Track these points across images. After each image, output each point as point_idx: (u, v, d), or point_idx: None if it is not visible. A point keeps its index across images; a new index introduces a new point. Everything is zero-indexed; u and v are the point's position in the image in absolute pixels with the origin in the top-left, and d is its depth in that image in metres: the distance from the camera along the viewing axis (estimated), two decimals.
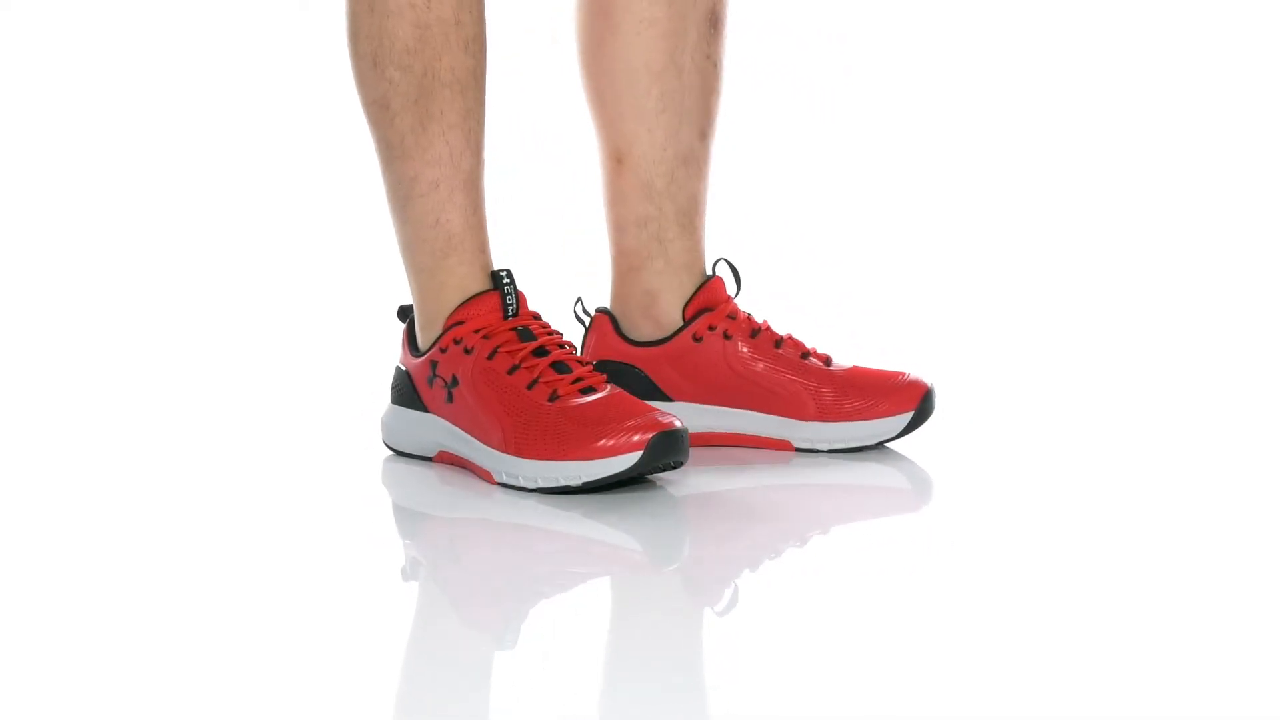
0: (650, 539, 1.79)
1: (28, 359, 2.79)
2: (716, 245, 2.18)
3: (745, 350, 2.10)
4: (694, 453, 2.04)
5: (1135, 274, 3.27)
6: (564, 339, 1.96)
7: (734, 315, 2.11)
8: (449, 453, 1.99)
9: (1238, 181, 3.59)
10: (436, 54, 1.92)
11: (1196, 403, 2.39)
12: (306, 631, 1.48)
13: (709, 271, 2.13)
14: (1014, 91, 3.74)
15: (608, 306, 2.14)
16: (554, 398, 1.89)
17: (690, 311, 2.11)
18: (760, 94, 3.56)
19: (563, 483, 1.86)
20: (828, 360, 2.11)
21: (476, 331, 1.94)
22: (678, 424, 1.85)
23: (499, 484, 1.91)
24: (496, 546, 1.78)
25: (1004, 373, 2.62)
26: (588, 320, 2.15)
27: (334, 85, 2.50)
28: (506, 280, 1.96)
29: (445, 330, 1.96)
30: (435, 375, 1.97)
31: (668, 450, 1.85)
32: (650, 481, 1.93)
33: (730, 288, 2.15)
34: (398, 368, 2.05)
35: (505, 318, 1.95)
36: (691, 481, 1.95)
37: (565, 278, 2.39)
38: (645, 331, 2.12)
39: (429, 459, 2.03)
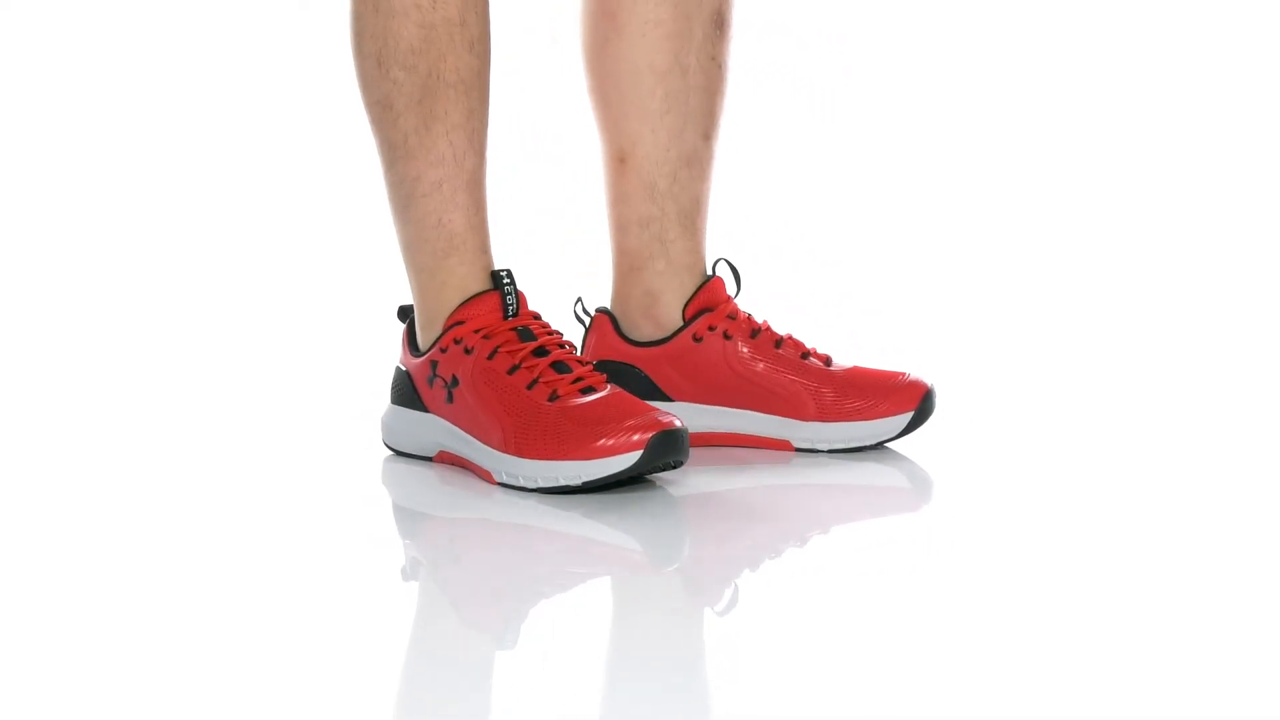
0: (650, 539, 1.79)
1: (26, 361, 2.79)
2: (717, 245, 2.18)
3: (745, 350, 2.10)
4: (694, 453, 2.04)
5: (1134, 274, 3.27)
6: (564, 339, 1.96)
7: (734, 315, 2.11)
8: (449, 453, 1.99)
9: (1236, 182, 3.59)
10: (441, 54, 1.92)
11: (1196, 402, 2.39)
12: (307, 632, 1.48)
13: (710, 272, 2.13)
14: (1013, 92, 3.74)
15: (608, 306, 2.14)
16: (554, 398, 1.89)
17: (690, 312, 2.11)
18: (760, 94, 3.56)
19: (562, 482, 1.86)
20: (828, 360, 2.11)
21: (477, 331, 1.94)
22: (677, 424, 1.86)
23: (499, 484, 1.91)
24: (496, 546, 1.78)
25: (1004, 373, 2.62)
26: (588, 320, 2.15)
27: (334, 86, 2.50)
28: (506, 280, 1.96)
29: (445, 330, 1.96)
30: (435, 375, 1.97)
31: (667, 450, 1.85)
32: (650, 481, 1.93)
33: (730, 288, 2.15)
34: (398, 368, 2.05)
35: (505, 317, 1.95)
36: (691, 481, 1.95)
37: (566, 278, 2.39)
38: (645, 331, 2.12)
39: (429, 459, 2.03)
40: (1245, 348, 2.76)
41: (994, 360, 2.72)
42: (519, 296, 1.96)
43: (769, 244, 3.33)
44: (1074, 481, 1.99)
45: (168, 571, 1.67)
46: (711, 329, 2.10)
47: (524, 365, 1.92)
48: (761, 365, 2.09)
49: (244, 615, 1.52)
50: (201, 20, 3.67)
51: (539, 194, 3.33)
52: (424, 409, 2.01)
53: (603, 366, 2.10)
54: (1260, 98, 3.66)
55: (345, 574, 1.67)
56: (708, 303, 2.11)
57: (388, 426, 2.07)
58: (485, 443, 1.92)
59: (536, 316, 1.97)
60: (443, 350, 1.96)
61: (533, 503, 1.86)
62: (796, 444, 2.08)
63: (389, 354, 2.15)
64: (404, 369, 2.04)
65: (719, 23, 2.10)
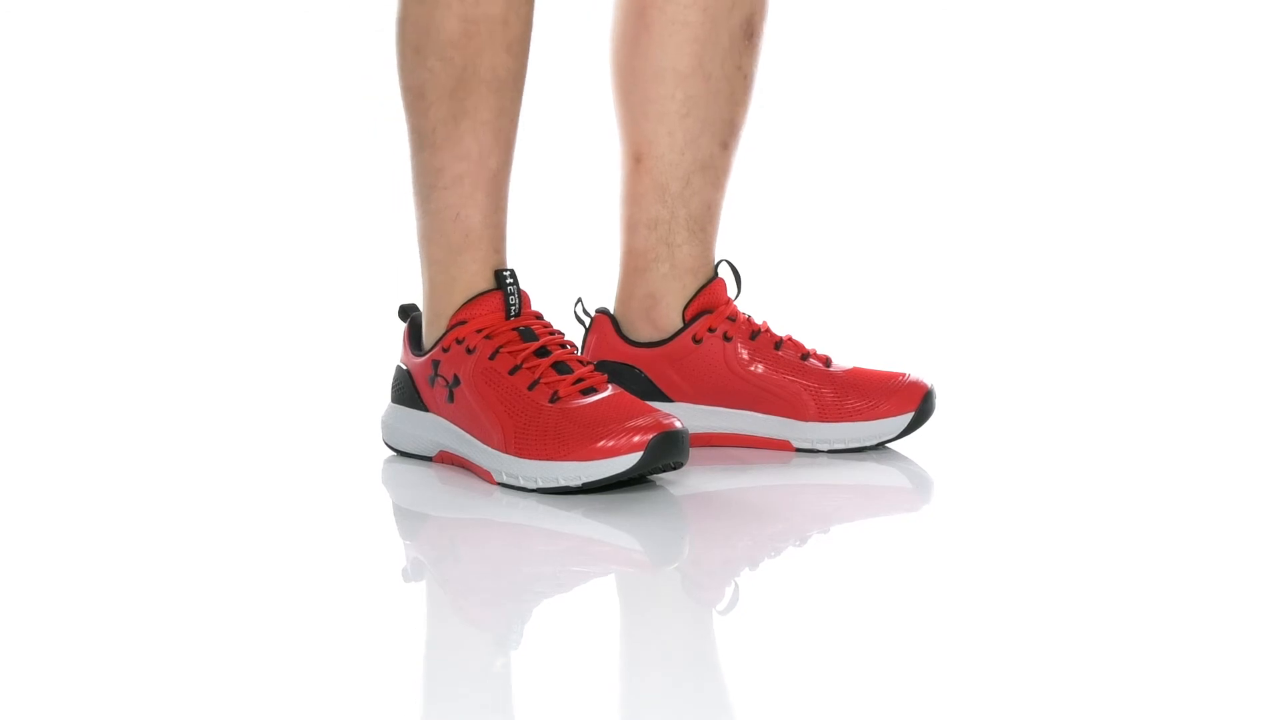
0: (650, 539, 1.79)
1: (26, 361, 2.78)
2: (718, 246, 2.17)
3: (745, 352, 2.10)
4: (694, 453, 2.04)
5: (1134, 275, 3.27)
6: (566, 339, 1.96)
7: (734, 317, 2.11)
8: (449, 453, 1.99)
9: (1235, 182, 3.59)
10: (479, 50, 1.93)
11: (1196, 403, 2.39)
12: (306, 632, 1.48)
13: (713, 275, 2.13)
14: (1013, 94, 3.74)
15: (608, 307, 2.14)
16: (555, 399, 1.89)
17: (690, 313, 2.11)
18: (760, 95, 3.56)
19: (562, 483, 1.86)
20: (828, 361, 2.11)
21: (479, 331, 1.95)
22: (678, 425, 1.86)
23: (499, 484, 1.91)
24: (496, 546, 1.78)
25: (1004, 373, 2.62)
26: (588, 320, 2.15)
27: (339, 87, 2.50)
28: (510, 280, 1.96)
29: (449, 329, 1.96)
30: (437, 375, 1.97)
31: (668, 451, 1.85)
32: (650, 481, 1.93)
33: (731, 289, 2.14)
34: (398, 367, 2.05)
35: (507, 317, 1.95)
36: (691, 481, 1.95)
37: (568, 277, 2.39)
38: (644, 333, 2.12)
39: (429, 459, 2.03)
40: (1244, 348, 2.76)
41: (994, 361, 2.72)
42: (522, 296, 1.96)
43: (770, 245, 3.33)
44: (1074, 481, 1.99)
45: (165, 572, 1.67)
46: (711, 330, 2.10)
47: (525, 366, 1.92)
48: (761, 367, 2.09)
49: (244, 617, 1.52)
50: (200, 20, 3.67)
51: (541, 193, 3.33)
52: (424, 408, 2.01)
53: (603, 367, 2.10)
54: (1259, 99, 3.66)
55: (345, 574, 1.67)
56: (708, 304, 2.11)
57: (388, 426, 2.07)
58: (486, 443, 1.92)
59: (539, 316, 1.97)
60: (445, 350, 1.96)
61: (533, 503, 1.86)
62: (796, 444, 2.08)
63: (388, 353, 2.15)
64: (404, 368, 2.04)
65: (748, 32, 2.09)
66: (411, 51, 1.95)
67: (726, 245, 2.22)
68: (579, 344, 2.14)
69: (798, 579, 1.65)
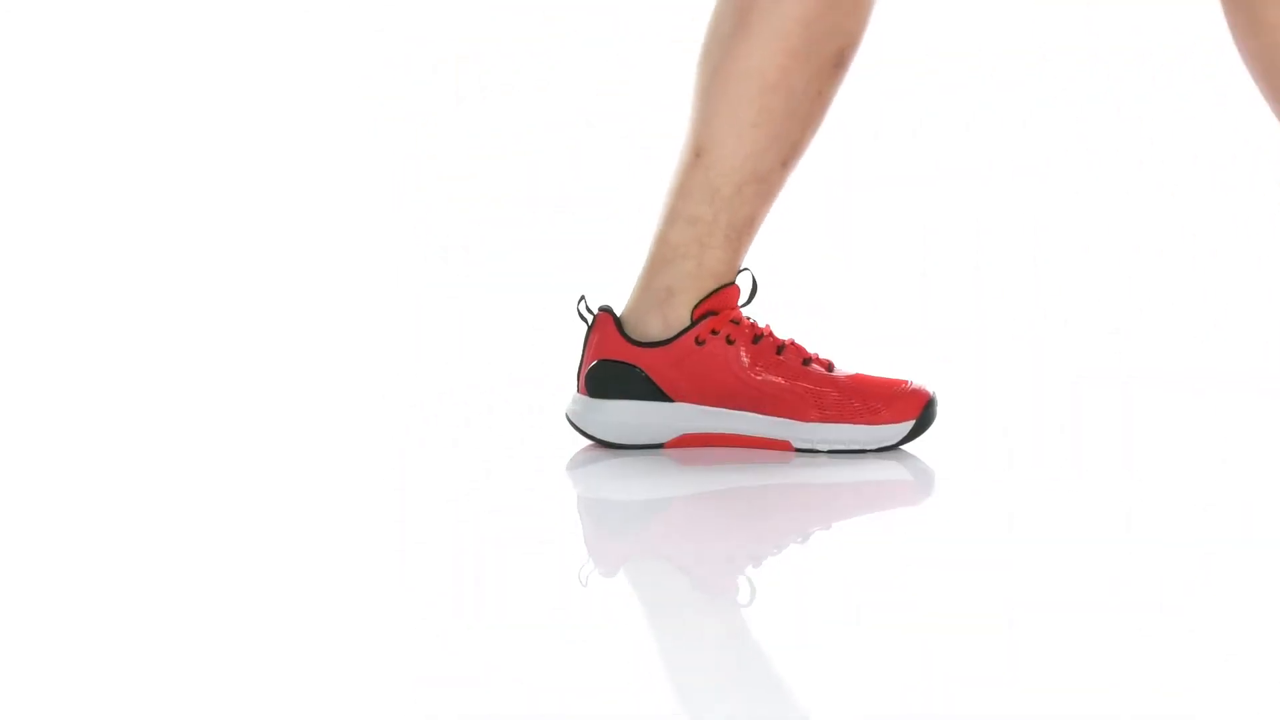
0: (650, 539, 1.79)
1: (69, 357, 2.77)
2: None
3: (747, 356, 2.09)
4: (694, 453, 2.04)
5: (1134, 276, 3.27)
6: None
7: (738, 321, 2.11)
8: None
9: (1235, 182, 3.59)
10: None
11: (1195, 403, 2.39)
12: (307, 632, 1.48)
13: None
14: (1013, 95, 3.75)
15: (611, 306, 2.14)
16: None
17: (698, 313, 2.10)
18: None
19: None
20: (830, 366, 2.11)
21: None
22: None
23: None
24: (497, 547, 1.78)
25: (1007, 381, 2.62)
26: (590, 318, 2.14)
27: (349, 84, 2.50)
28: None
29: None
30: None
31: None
32: (650, 480, 1.93)
33: (743, 297, 2.14)
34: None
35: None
36: (692, 481, 1.95)
37: (570, 276, 2.39)
38: (652, 326, 2.11)
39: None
40: (1244, 349, 2.75)
41: (997, 368, 2.71)
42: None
43: (771, 248, 3.32)
44: (1074, 481, 1.98)
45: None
46: (714, 333, 2.10)
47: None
48: (763, 370, 2.09)
49: (242, 616, 1.52)
50: (199, 20, 3.68)
51: (542, 192, 3.33)
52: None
53: (604, 366, 2.10)
54: (1256, 101, 3.66)
55: (350, 574, 1.66)
56: (715, 306, 2.11)
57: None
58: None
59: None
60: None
61: (530, 503, 1.86)
62: (796, 444, 2.08)
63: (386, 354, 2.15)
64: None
65: (839, 60, 2.08)
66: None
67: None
68: (580, 342, 2.14)
69: (798, 578, 1.65)
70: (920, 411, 2.08)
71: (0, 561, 1.67)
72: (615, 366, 2.11)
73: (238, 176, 3.60)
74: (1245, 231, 3.47)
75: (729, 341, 2.10)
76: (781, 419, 2.08)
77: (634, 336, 2.12)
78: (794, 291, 3.07)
